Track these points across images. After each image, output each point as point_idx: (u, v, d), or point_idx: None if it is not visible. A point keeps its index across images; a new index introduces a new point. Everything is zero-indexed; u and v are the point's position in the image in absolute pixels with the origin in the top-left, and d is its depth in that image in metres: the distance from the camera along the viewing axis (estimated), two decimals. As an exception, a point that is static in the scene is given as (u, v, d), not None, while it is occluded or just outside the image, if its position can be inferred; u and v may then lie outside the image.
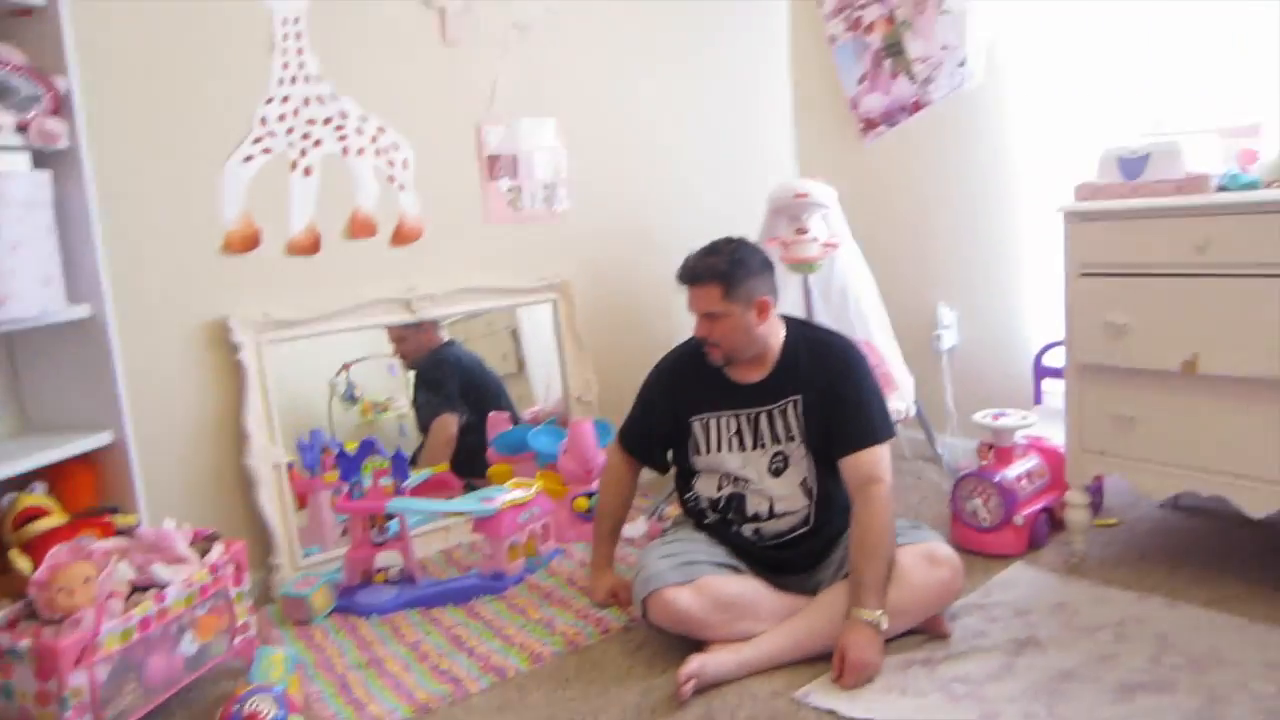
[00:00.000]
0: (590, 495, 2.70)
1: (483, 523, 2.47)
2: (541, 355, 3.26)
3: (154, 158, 2.39)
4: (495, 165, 2.96)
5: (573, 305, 3.13)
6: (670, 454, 2.28)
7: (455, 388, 3.05)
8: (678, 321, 3.22)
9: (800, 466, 2.09)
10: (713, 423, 2.13)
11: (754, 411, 2.10)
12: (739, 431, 2.11)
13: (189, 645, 1.94)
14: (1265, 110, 2.24)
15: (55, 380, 2.20)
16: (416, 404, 3.04)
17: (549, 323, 3.16)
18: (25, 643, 1.70)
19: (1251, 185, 1.96)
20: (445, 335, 3.06)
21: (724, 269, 2.05)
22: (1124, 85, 2.57)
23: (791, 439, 2.09)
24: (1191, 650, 1.85)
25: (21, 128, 1.97)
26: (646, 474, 2.38)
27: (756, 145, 3.52)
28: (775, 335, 2.14)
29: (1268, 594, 2.03)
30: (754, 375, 2.12)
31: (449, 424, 3.00)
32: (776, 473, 2.09)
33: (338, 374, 2.90)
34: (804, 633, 1.95)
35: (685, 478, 2.22)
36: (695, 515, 2.20)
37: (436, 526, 2.79)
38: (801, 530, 2.10)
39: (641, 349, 2.99)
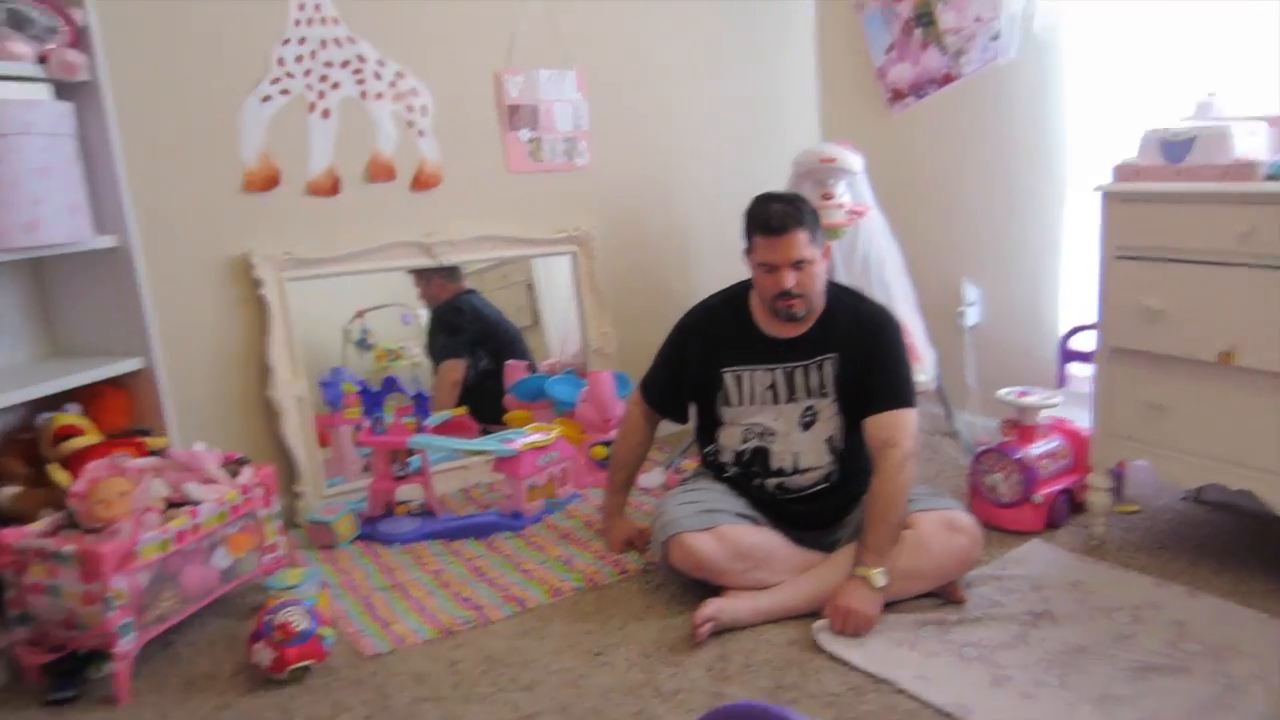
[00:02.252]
0: (607, 444, 2.75)
1: (504, 463, 2.51)
2: (557, 308, 3.28)
3: (175, 93, 2.40)
4: (515, 115, 2.97)
5: (592, 258, 3.15)
6: (693, 406, 2.31)
7: (472, 334, 3.08)
8: (695, 278, 3.28)
9: (828, 424, 2.13)
10: (745, 376, 2.15)
11: (789, 366, 2.13)
12: (772, 385, 2.14)
13: (222, 559, 2.00)
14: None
15: (84, 308, 2.24)
16: (432, 346, 3.06)
17: (567, 276, 3.18)
18: (70, 547, 1.75)
19: (1302, 176, 1.90)
20: (467, 284, 3.08)
21: (805, 215, 2.06)
22: (1169, 66, 2.52)
23: (824, 395, 2.12)
24: (1209, 639, 1.83)
25: (41, 59, 1.99)
26: (664, 427, 2.41)
27: (780, 108, 3.52)
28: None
29: (1291, 592, 2.03)
30: (790, 331, 2.14)
31: (455, 369, 3.02)
32: (806, 426, 2.13)
33: (352, 320, 2.92)
34: (818, 586, 2.00)
35: (708, 430, 2.25)
36: (715, 468, 2.24)
37: (456, 465, 2.84)
38: (823, 486, 2.14)
39: (659, 304, 3.04)
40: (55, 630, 1.80)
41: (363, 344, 2.95)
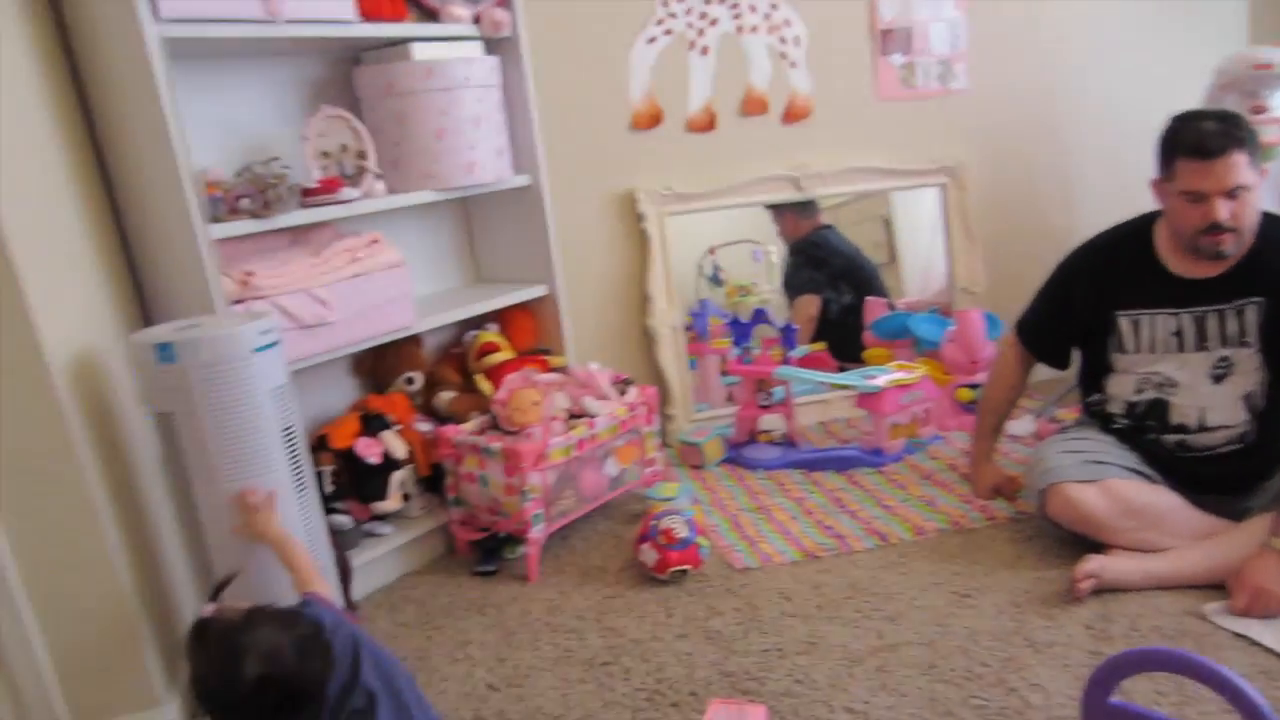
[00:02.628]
0: (974, 386, 2.65)
1: (867, 399, 2.52)
2: (916, 245, 3.18)
3: (573, 42, 2.62)
4: (888, 39, 2.88)
5: (964, 190, 3.00)
6: (1076, 351, 2.14)
7: (834, 269, 3.09)
8: (1080, 213, 3.01)
9: (1248, 377, 1.88)
10: (1145, 320, 1.95)
11: (1200, 311, 1.89)
12: (1179, 331, 1.91)
13: (612, 468, 2.25)
14: None
15: (501, 240, 2.56)
16: (793, 281, 3.12)
17: (931, 210, 3.06)
18: (497, 445, 2.06)
19: None
20: (823, 219, 3.08)
21: (1244, 134, 1.80)
22: None
23: (1245, 344, 1.87)
24: None
25: (475, 20, 2.26)
26: (1036, 371, 2.26)
27: (1195, 6, 3.07)
28: None
29: None
30: (1206, 270, 1.88)
31: (811, 304, 3.06)
32: (1217, 379, 1.89)
33: (704, 256, 3.05)
34: (1223, 556, 1.78)
35: (1094, 377, 2.07)
36: (1100, 419, 2.06)
37: (816, 399, 2.90)
38: (1235, 447, 1.90)
39: (1035, 240, 2.84)
40: (482, 514, 2.15)
41: (714, 279, 3.08)
